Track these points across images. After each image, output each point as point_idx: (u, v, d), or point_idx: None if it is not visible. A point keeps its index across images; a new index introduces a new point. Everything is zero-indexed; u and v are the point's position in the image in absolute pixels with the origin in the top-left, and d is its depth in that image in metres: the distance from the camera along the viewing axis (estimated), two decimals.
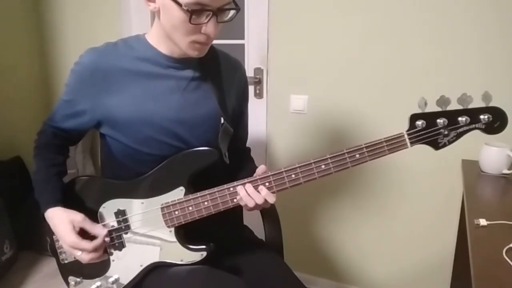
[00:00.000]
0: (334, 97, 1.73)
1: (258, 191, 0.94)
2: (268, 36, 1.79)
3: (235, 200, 0.96)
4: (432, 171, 1.62)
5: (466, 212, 1.03)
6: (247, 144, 1.28)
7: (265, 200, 0.93)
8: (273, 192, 0.95)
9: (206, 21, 0.89)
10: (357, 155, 0.91)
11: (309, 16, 1.69)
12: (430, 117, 0.89)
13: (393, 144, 0.90)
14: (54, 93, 2.41)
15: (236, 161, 1.17)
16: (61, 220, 0.96)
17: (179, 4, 0.86)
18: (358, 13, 1.61)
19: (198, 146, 1.01)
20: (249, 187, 0.94)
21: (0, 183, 2.11)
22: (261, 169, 0.97)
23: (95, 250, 0.95)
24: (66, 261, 1.06)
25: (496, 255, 0.81)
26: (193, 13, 0.86)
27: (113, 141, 1.04)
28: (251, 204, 0.94)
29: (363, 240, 1.83)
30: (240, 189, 0.94)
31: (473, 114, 0.87)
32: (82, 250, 0.95)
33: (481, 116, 0.87)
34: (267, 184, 0.95)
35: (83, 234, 0.96)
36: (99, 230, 0.97)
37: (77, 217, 0.96)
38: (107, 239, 0.99)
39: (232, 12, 0.93)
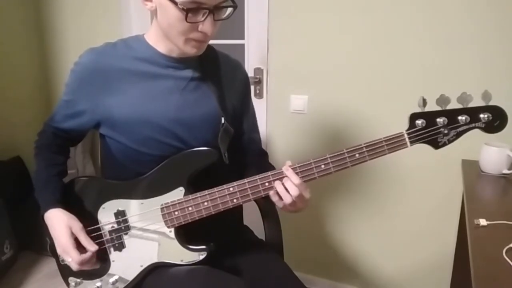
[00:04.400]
0: (334, 97, 1.73)
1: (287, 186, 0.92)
2: (268, 36, 1.79)
3: (235, 200, 0.96)
4: (432, 171, 1.62)
5: (466, 212, 1.03)
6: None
7: (300, 192, 0.92)
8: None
9: (202, 19, 0.89)
10: (357, 155, 0.91)
11: (309, 16, 1.69)
12: (430, 116, 0.89)
13: (393, 144, 0.90)
14: (54, 93, 2.41)
15: (242, 162, 1.16)
16: (60, 222, 0.96)
17: (175, 3, 0.86)
18: (358, 13, 1.61)
19: (197, 146, 1.01)
20: (286, 181, 0.92)
21: (0, 183, 2.11)
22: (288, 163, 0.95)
23: (81, 263, 0.95)
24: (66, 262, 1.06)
25: (496, 255, 0.81)
26: (189, 11, 0.86)
27: (112, 142, 1.04)
28: (287, 199, 0.92)
29: (363, 240, 1.83)
30: (277, 184, 0.93)
31: (473, 113, 0.88)
32: (71, 257, 0.94)
33: (481, 115, 0.87)
34: (266, 184, 0.95)
35: (78, 241, 0.96)
36: (90, 246, 0.96)
37: (75, 225, 0.96)
38: (106, 237, 0.99)
39: (229, 10, 0.93)
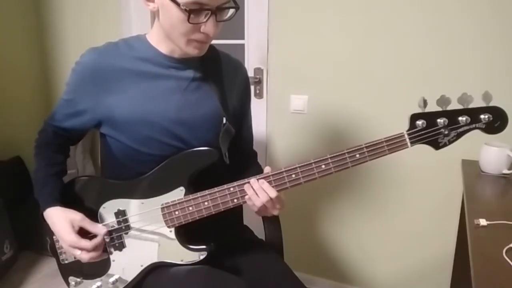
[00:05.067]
0: (334, 97, 1.73)
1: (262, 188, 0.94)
2: (268, 36, 1.79)
3: (235, 200, 0.96)
4: (432, 171, 1.62)
5: (466, 212, 1.03)
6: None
7: (269, 196, 0.92)
8: None
9: (205, 20, 0.89)
10: (357, 155, 0.91)
11: (309, 16, 1.69)
12: (430, 117, 0.89)
13: (393, 144, 0.90)
14: (54, 93, 2.41)
15: (242, 164, 1.17)
16: (60, 220, 0.96)
17: (177, 4, 0.86)
18: (358, 13, 1.61)
19: (198, 146, 1.01)
20: (254, 183, 0.93)
21: (0, 183, 2.11)
22: (266, 169, 0.96)
23: (95, 248, 0.96)
24: (66, 262, 1.06)
25: (496, 255, 0.81)
26: (192, 12, 0.86)
27: (113, 141, 1.04)
28: (257, 202, 0.93)
29: (363, 240, 1.83)
30: (247, 187, 0.94)
31: (473, 113, 0.87)
32: (82, 249, 0.95)
33: (482, 116, 0.87)
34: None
35: (82, 233, 0.96)
36: (98, 229, 0.97)
37: (76, 216, 0.96)
38: (107, 237, 1.00)
39: (231, 11, 0.93)
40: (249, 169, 1.15)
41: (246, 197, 0.95)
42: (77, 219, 0.96)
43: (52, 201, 0.98)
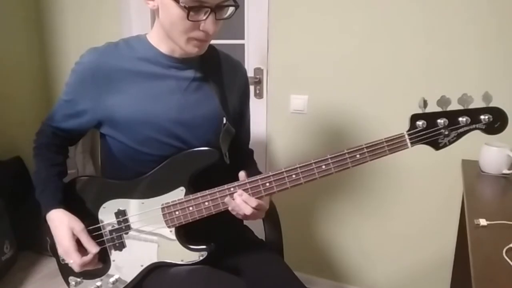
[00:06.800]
0: (334, 97, 1.73)
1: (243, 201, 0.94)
2: (268, 36, 1.79)
3: None
4: (432, 171, 1.62)
5: (466, 212, 1.03)
6: (250, 146, 1.28)
7: (250, 206, 0.93)
8: (273, 193, 0.95)
9: (204, 18, 0.89)
10: (358, 155, 0.91)
11: (309, 16, 1.69)
12: (430, 117, 0.89)
13: (394, 144, 0.90)
14: (54, 93, 2.41)
15: (237, 162, 1.17)
16: (62, 224, 0.96)
17: (177, 1, 0.87)
18: (358, 13, 1.61)
19: (198, 146, 1.02)
20: (236, 197, 0.94)
21: (0, 183, 2.11)
22: (241, 176, 0.97)
23: (82, 265, 0.95)
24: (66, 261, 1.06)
25: (496, 255, 0.81)
26: (191, 9, 0.87)
27: (113, 141, 1.04)
28: (241, 212, 0.94)
29: (363, 240, 1.83)
30: (228, 200, 0.95)
31: (473, 114, 0.88)
32: (72, 259, 0.95)
33: (482, 117, 0.87)
34: (267, 184, 0.95)
35: (80, 242, 0.96)
36: (91, 247, 0.96)
37: (77, 226, 0.96)
38: (107, 236, 1.00)
39: (231, 9, 0.94)
40: (247, 168, 1.15)
41: (229, 208, 0.95)
42: (77, 229, 0.95)
43: (55, 204, 0.98)
